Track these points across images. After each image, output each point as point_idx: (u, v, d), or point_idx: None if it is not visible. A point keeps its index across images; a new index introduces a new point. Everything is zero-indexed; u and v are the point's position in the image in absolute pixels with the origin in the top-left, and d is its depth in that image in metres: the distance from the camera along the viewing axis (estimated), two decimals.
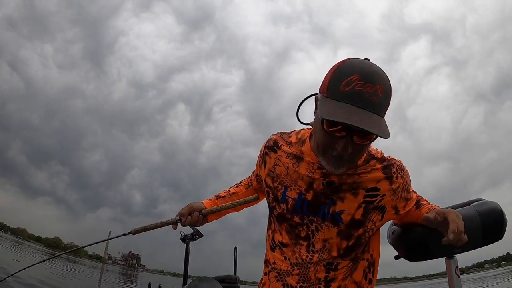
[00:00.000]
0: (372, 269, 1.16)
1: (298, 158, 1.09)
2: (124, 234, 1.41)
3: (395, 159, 1.09)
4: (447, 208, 1.39)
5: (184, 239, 1.53)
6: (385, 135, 0.83)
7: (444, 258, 1.30)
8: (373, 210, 1.06)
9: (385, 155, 1.10)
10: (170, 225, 1.27)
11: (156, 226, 1.35)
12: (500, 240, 1.22)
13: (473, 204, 1.26)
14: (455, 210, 1.25)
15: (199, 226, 1.32)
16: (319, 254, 1.07)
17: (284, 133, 1.20)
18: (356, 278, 1.11)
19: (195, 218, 1.24)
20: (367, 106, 0.84)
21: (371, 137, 0.89)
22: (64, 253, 2.98)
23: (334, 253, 1.07)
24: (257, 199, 1.31)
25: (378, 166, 1.05)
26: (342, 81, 0.86)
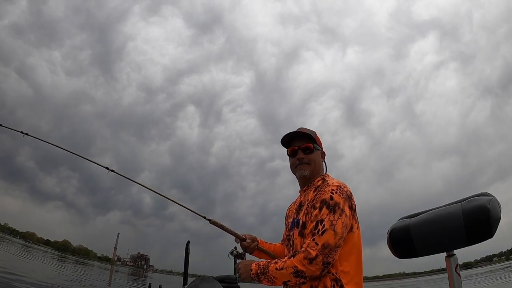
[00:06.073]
0: (337, 284, 1.38)
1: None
2: (205, 218, 1.79)
3: (331, 184, 1.50)
4: (443, 205, 1.40)
5: (233, 253, 1.79)
6: (302, 132, 1.66)
7: (444, 255, 1.30)
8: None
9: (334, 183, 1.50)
10: (235, 238, 1.74)
11: (227, 231, 1.74)
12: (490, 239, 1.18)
13: (462, 202, 1.26)
14: (444, 208, 1.30)
15: (248, 252, 1.79)
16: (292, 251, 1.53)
17: None
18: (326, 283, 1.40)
19: (253, 246, 1.75)
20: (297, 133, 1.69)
21: (307, 143, 1.64)
22: None
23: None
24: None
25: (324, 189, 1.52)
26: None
